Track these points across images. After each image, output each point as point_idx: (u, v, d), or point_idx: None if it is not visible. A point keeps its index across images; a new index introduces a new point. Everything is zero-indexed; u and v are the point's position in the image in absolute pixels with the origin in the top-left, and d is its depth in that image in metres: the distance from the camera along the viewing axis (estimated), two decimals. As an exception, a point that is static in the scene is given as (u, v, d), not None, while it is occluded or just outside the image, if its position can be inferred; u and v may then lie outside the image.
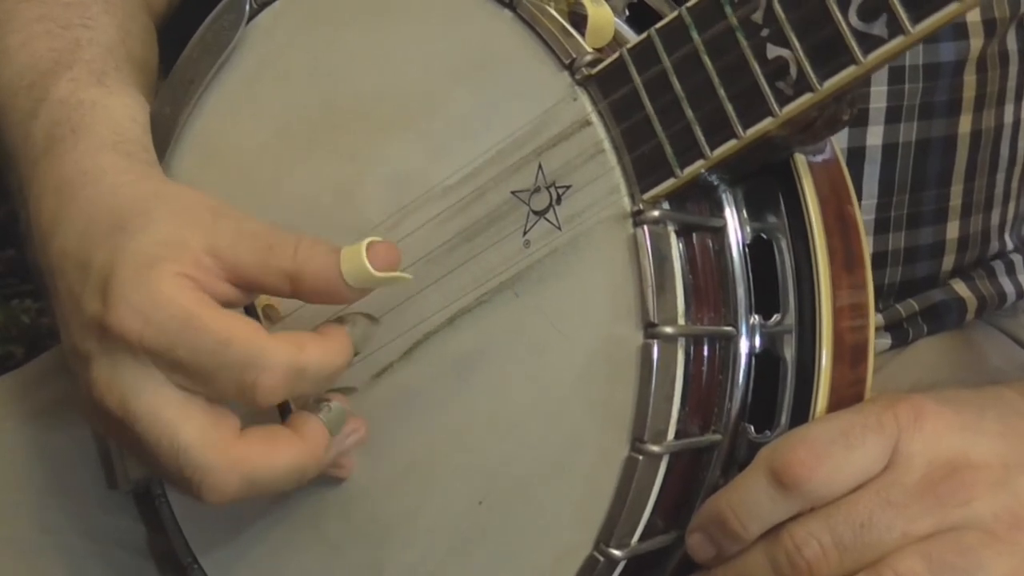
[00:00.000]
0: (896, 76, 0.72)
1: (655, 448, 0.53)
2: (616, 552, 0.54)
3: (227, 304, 0.57)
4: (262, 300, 0.62)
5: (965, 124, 0.75)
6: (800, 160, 0.56)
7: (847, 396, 0.56)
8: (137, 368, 0.55)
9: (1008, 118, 0.78)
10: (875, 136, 0.73)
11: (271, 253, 0.56)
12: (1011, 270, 0.81)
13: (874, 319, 0.57)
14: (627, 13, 0.59)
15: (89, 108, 0.65)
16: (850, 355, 0.56)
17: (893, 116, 0.73)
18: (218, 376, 0.54)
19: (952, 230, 0.77)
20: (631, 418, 0.53)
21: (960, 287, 0.78)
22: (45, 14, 0.70)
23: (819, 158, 0.57)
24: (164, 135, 0.68)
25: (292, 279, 0.56)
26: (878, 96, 0.72)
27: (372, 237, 0.57)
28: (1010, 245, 0.82)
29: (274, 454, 0.57)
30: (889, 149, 0.73)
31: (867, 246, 0.57)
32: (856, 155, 0.65)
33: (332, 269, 0.56)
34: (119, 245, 0.57)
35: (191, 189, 0.61)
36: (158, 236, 0.56)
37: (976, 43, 0.73)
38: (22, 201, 0.66)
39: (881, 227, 0.75)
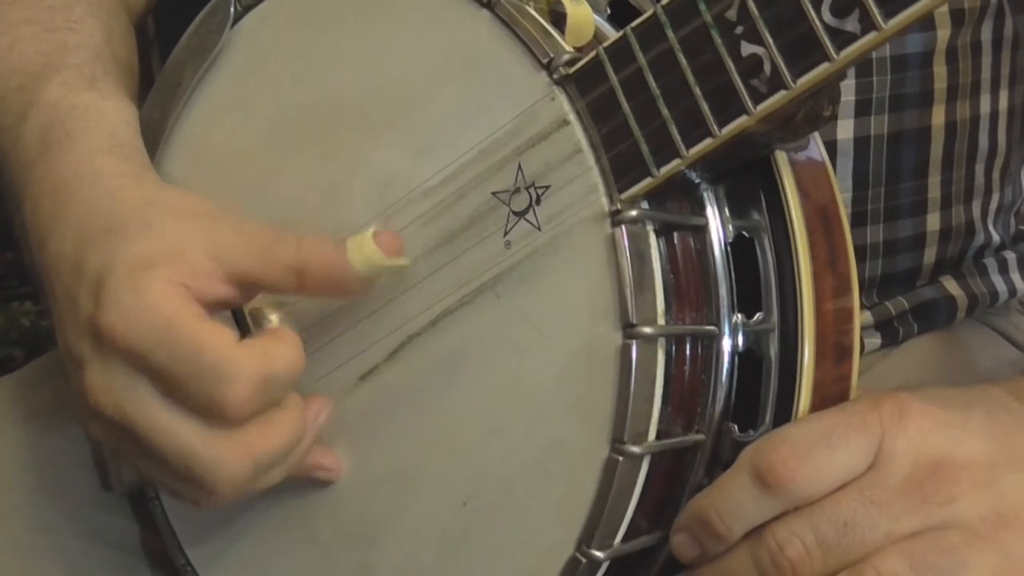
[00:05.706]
0: (864, 69, 0.71)
1: (635, 449, 0.53)
2: (598, 553, 0.54)
3: (226, 305, 0.58)
4: (249, 304, 0.62)
5: (938, 115, 0.74)
6: (781, 157, 0.55)
7: (831, 394, 0.55)
8: (128, 374, 0.55)
9: (985, 108, 0.77)
10: (845, 130, 0.72)
11: (273, 249, 0.57)
12: (1004, 268, 0.80)
13: (859, 316, 0.57)
14: (608, 11, 0.59)
15: (82, 112, 0.65)
16: (834, 352, 0.55)
17: (863, 109, 0.72)
18: (191, 387, 0.54)
19: (932, 222, 0.76)
20: (611, 419, 0.53)
21: (951, 285, 0.77)
22: (30, 17, 0.70)
23: (802, 156, 0.56)
24: (153, 138, 0.68)
25: (298, 272, 0.57)
26: (847, 89, 0.71)
27: (373, 227, 0.57)
28: (995, 236, 0.81)
29: (271, 432, 0.57)
30: (861, 142, 0.73)
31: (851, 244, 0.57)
32: (827, 149, 0.64)
33: (339, 258, 0.56)
34: (115, 249, 0.57)
35: (187, 193, 0.62)
36: (155, 243, 0.57)
37: (943, 33, 0.72)
38: (16, 205, 0.66)
39: (858, 220, 0.74)
